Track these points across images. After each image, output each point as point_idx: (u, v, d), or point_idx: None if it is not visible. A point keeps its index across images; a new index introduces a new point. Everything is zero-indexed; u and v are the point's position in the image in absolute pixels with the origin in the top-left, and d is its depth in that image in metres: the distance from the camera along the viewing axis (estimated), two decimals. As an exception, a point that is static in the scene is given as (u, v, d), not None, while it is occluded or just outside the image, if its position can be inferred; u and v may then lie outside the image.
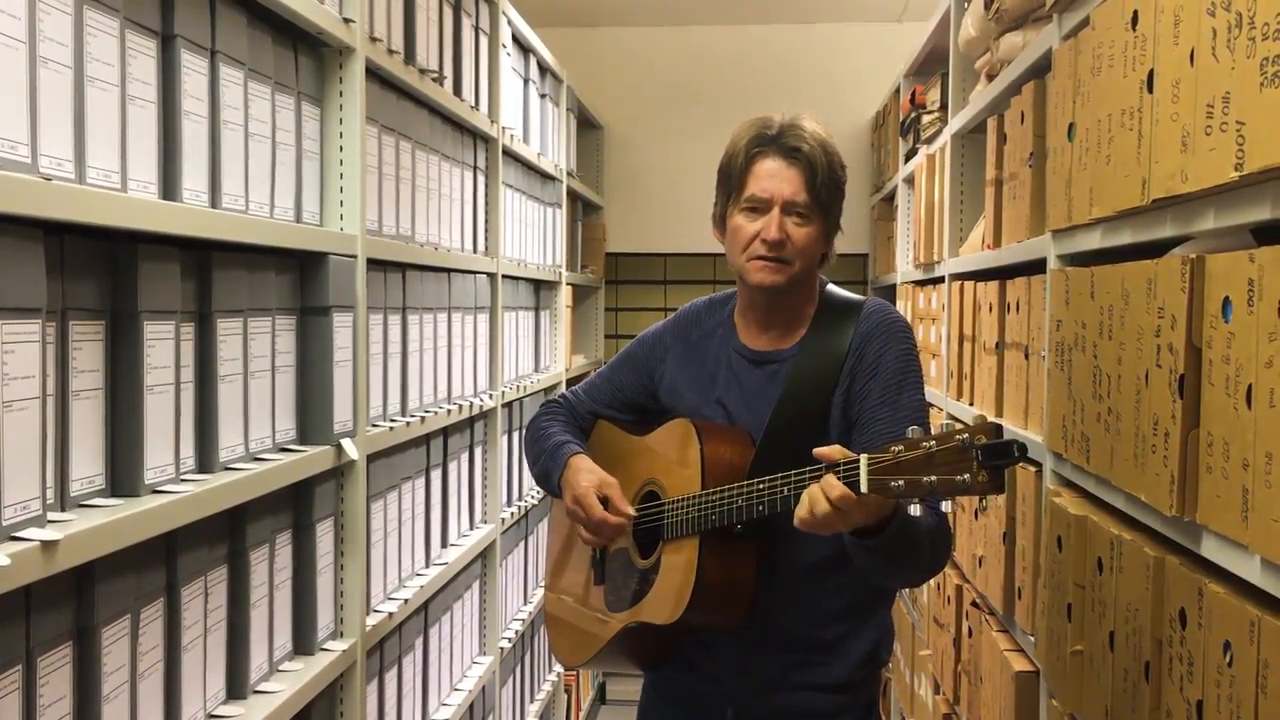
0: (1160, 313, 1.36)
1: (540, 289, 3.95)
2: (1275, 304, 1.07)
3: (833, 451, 1.56)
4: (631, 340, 2.09)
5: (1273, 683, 1.08)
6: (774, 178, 1.80)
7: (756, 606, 1.80)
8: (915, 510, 1.49)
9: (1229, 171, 1.15)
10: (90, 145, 1.28)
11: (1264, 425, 1.09)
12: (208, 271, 1.55)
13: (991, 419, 2.42)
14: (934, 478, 1.44)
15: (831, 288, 1.93)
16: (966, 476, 1.43)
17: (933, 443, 1.45)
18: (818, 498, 1.54)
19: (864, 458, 1.51)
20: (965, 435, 1.44)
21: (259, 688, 1.72)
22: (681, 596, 1.78)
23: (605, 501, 1.87)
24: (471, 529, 2.96)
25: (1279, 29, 1.05)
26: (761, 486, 1.70)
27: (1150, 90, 1.40)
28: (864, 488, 1.50)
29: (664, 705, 2.01)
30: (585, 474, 1.91)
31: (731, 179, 1.85)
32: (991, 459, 1.42)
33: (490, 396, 3.03)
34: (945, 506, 1.48)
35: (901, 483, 1.47)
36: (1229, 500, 1.17)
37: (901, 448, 1.48)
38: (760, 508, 1.70)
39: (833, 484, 1.53)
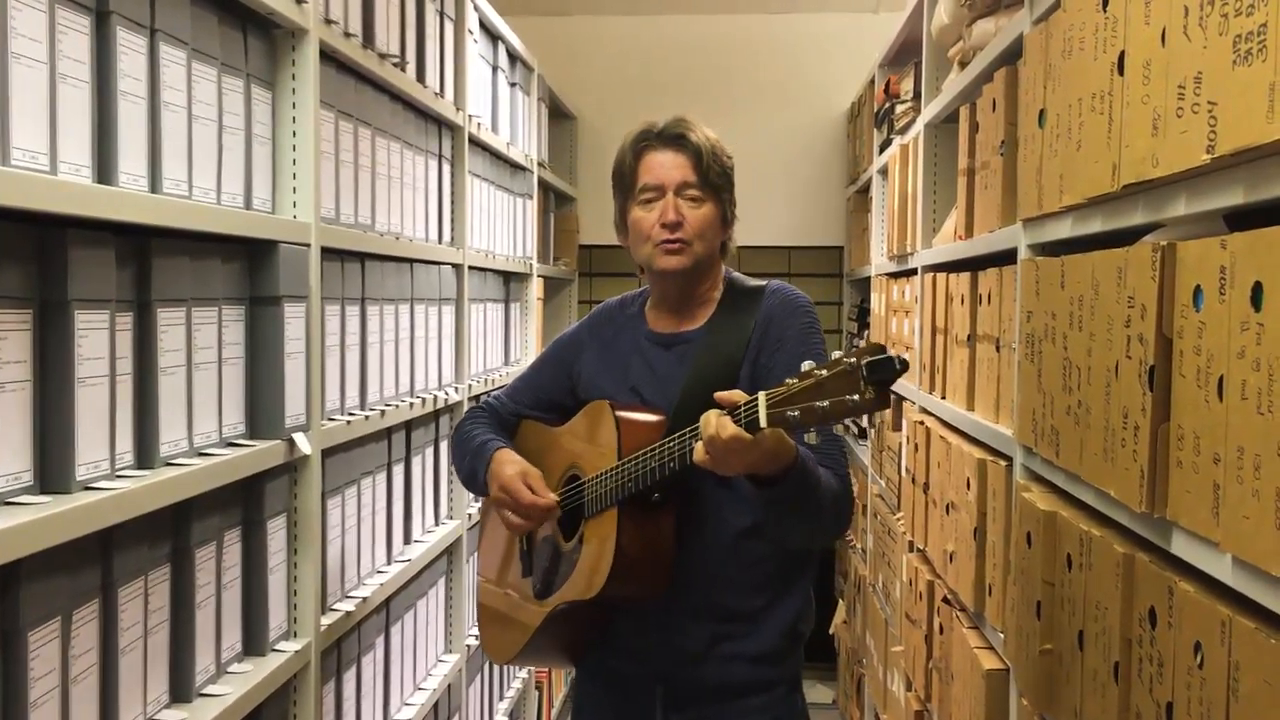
0: (1130, 302, 1.32)
1: (510, 281, 3.89)
2: (1247, 292, 1.03)
3: (734, 395, 1.62)
4: (551, 342, 2.19)
5: (1244, 685, 1.04)
6: (663, 166, 1.92)
7: (679, 578, 1.86)
8: (812, 438, 1.58)
9: (1200, 154, 1.11)
10: (15, 125, 1.22)
11: (1236, 418, 1.05)
12: (146, 259, 1.50)
13: (963, 412, 2.39)
14: (826, 403, 1.51)
15: (735, 274, 2.02)
16: (855, 397, 1.50)
17: (823, 371, 1.53)
18: (713, 431, 1.59)
19: (762, 395, 1.57)
20: (852, 359, 1.51)
21: (205, 690, 1.67)
22: (601, 569, 1.83)
23: (531, 490, 1.93)
24: (436, 525, 2.90)
25: (1251, 5, 1.01)
26: (671, 444, 1.75)
27: (1121, 72, 1.36)
28: (763, 423, 1.55)
29: (596, 691, 2.06)
30: (510, 464, 1.98)
31: (624, 178, 1.96)
32: (875, 375, 1.48)
33: (456, 390, 2.97)
34: (835, 427, 1.59)
35: (797, 412, 1.53)
36: (1200, 496, 1.13)
37: (795, 380, 1.55)
38: (672, 464, 1.75)
39: (725, 424, 1.58)
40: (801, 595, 1.95)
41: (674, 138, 1.92)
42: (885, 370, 1.48)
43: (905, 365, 1.50)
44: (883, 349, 1.52)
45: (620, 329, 2.05)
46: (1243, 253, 1.05)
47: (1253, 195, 1.06)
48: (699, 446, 1.63)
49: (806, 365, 1.55)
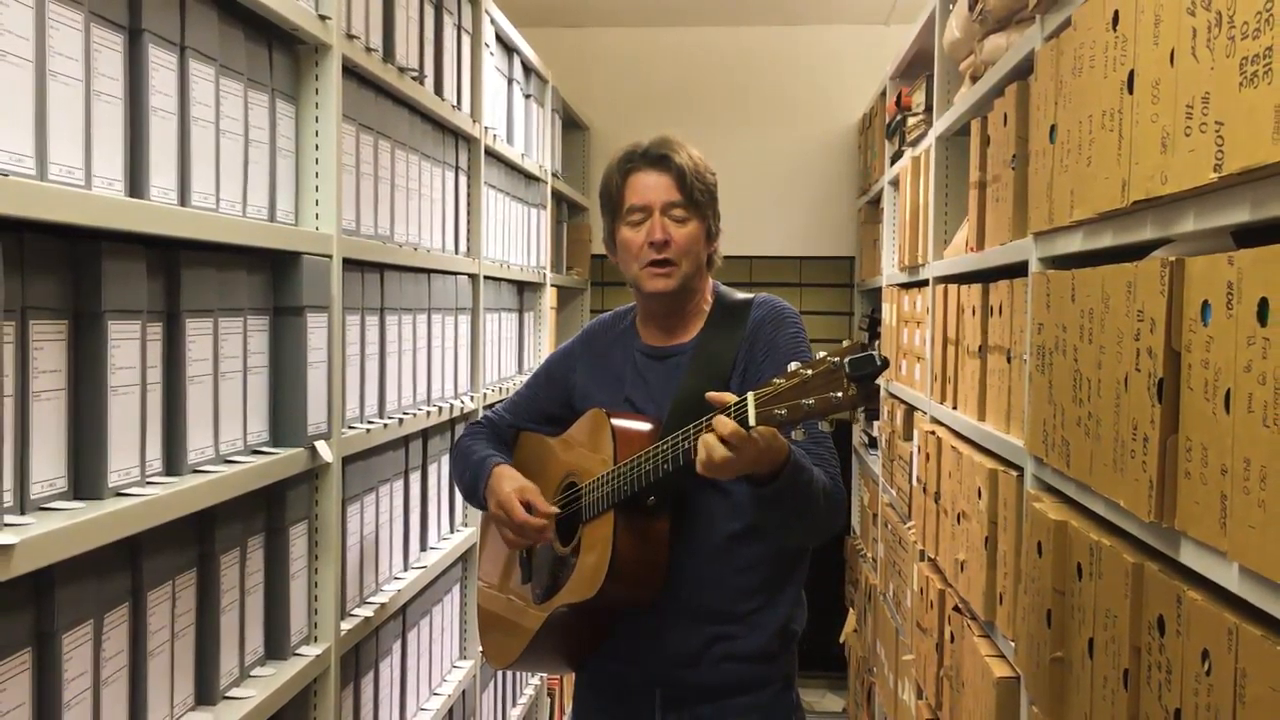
0: (1140, 316, 1.34)
1: (524, 290, 3.92)
2: (1254, 307, 1.05)
3: (724, 396, 1.68)
4: (547, 358, 2.26)
5: (1251, 692, 1.07)
6: (648, 187, 1.98)
7: (674, 582, 1.91)
8: (798, 434, 1.63)
9: (1208, 173, 1.13)
10: (52, 141, 1.25)
11: (1242, 430, 1.08)
12: (176, 270, 1.53)
13: (974, 422, 2.41)
14: (811, 400, 1.58)
15: (724, 288, 2.09)
16: (839, 394, 1.57)
17: (808, 370, 1.59)
18: (711, 440, 1.65)
19: (750, 395, 1.63)
20: (835, 358, 1.57)
21: (229, 693, 1.70)
22: (600, 570, 1.87)
23: (528, 506, 1.97)
24: (452, 532, 2.93)
25: (1258, 28, 1.03)
26: (665, 447, 1.80)
27: (1130, 91, 1.38)
28: (752, 420, 1.61)
29: (596, 701, 2.10)
30: (508, 480, 2.02)
31: (612, 199, 2.03)
32: (858, 372, 1.55)
33: (471, 398, 3.00)
34: (824, 426, 1.65)
35: (784, 410, 1.59)
36: (1207, 506, 1.16)
37: (781, 380, 1.61)
38: (666, 465, 1.80)
39: (723, 422, 1.64)
40: (793, 597, 2.01)
41: (658, 159, 1.98)
42: (867, 367, 1.54)
43: (886, 362, 1.56)
44: (864, 347, 1.58)
45: (613, 343, 2.11)
46: (1249, 269, 1.07)
47: (1259, 213, 1.09)
48: (698, 456, 1.67)
49: (792, 366, 1.61)
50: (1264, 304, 1.04)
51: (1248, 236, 1.21)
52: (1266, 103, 1.01)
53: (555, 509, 1.98)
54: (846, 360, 1.56)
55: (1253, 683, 1.06)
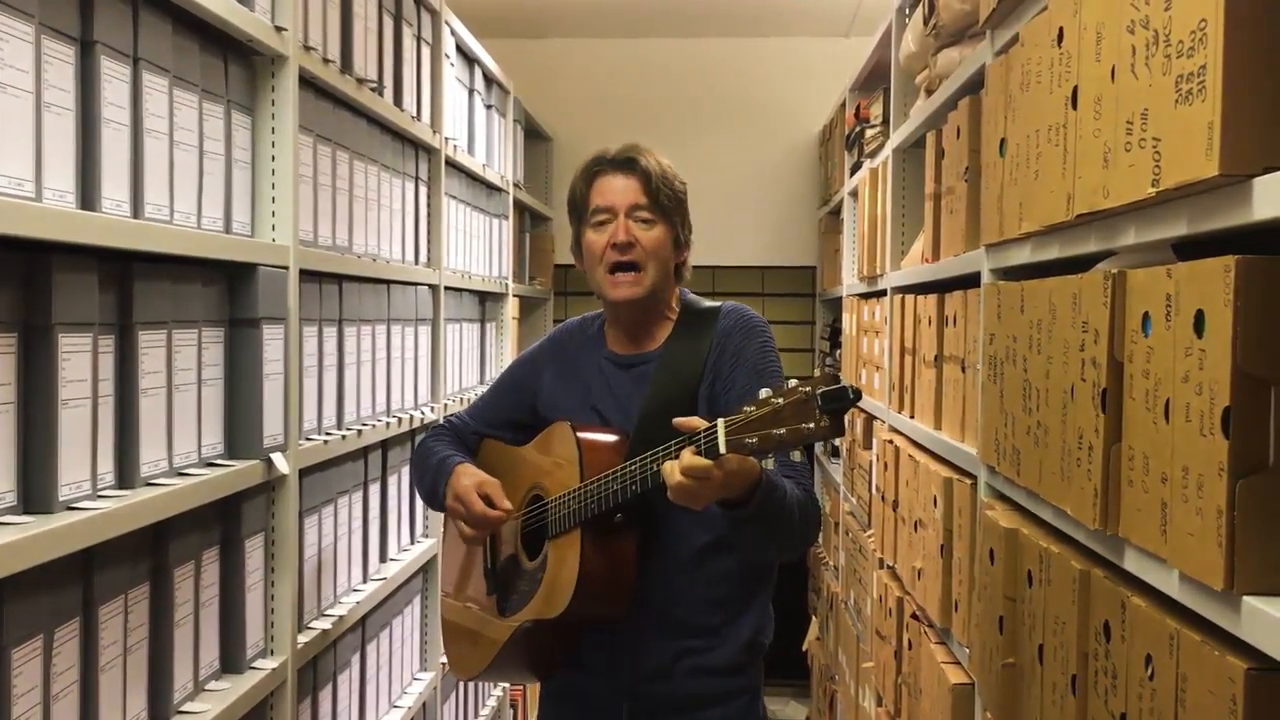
0: (1085, 327, 1.36)
1: (486, 300, 3.92)
2: (1190, 319, 1.08)
3: (693, 421, 1.67)
4: (511, 362, 2.23)
5: (1191, 696, 1.09)
6: (613, 190, 1.97)
7: (643, 595, 1.89)
8: (769, 464, 1.63)
9: (1146, 187, 1.16)
10: (2, 154, 1.25)
11: (1180, 439, 1.10)
12: (129, 283, 1.52)
13: (931, 431, 2.44)
14: (783, 430, 1.57)
15: (691, 296, 2.08)
16: (811, 425, 1.55)
17: (780, 400, 1.58)
18: (672, 470, 1.65)
19: (721, 422, 1.62)
20: (808, 388, 1.56)
21: (183, 708, 1.69)
22: (566, 589, 1.86)
23: (486, 499, 1.95)
24: (412, 543, 2.93)
25: (1192, 47, 1.06)
26: (633, 467, 1.78)
27: (1074, 106, 1.41)
28: (723, 449, 1.60)
29: (562, 708, 2.08)
30: (468, 476, 2.00)
31: (578, 203, 2.01)
32: (830, 404, 1.55)
33: (432, 409, 3.00)
34: (795, 456, 1.64)
35: (755, 439, 1.58)
36: (1149, 514, 1.18)
37: (753, 408, 1.59)
38: (634, 487, 1.78)
39: (684, 456, 1.63)
40: (761, 610, 2.01)
41: (624, 162, 1.97)
42: (839, 400, 1.54)
43: (858, 395, 1.55)
44: (837, 379, 1.57)
45: (580, 349, 2.09)
46: (1186, 282, 1.10)
47: (1195, 227, 1.11)
48: (667, 476, 1.65)
49: (764, 393, 1.59)
50: (1200, 316, 1.06)
51: (1191, 249, 1.24)
52: (1200, 120, 1.04)
53: (510, 505, 1.96)
54: (819, 392, 1.55)
55: (1192, 687, 1.08)
